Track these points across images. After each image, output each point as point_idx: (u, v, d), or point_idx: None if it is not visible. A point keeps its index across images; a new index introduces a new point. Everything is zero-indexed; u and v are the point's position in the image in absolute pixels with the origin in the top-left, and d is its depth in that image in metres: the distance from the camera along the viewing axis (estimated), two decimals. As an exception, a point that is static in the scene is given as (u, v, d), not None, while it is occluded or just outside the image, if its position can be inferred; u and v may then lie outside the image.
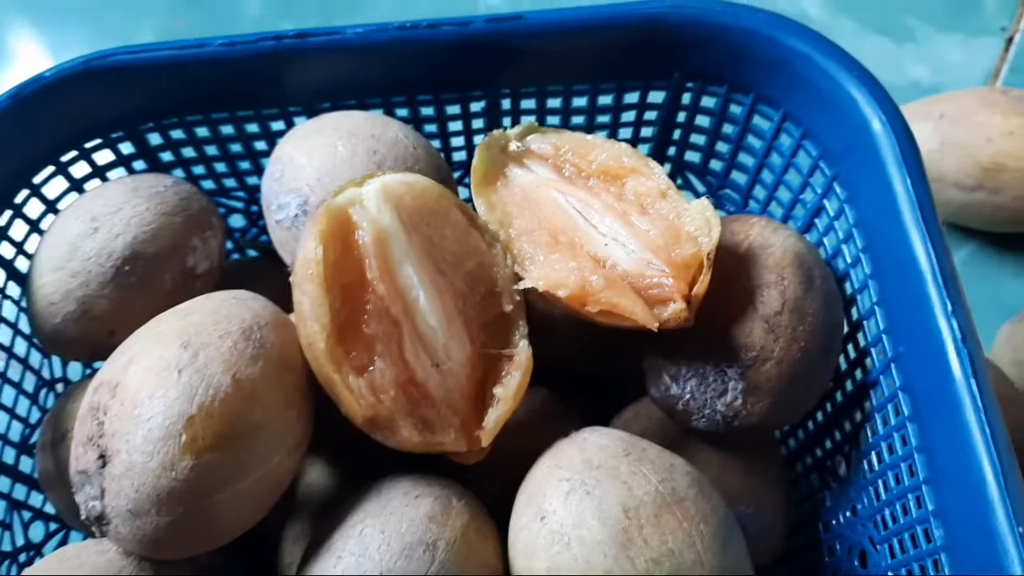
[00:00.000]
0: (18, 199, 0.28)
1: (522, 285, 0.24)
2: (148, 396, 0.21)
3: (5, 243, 0.28)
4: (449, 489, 0.23)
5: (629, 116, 0.30)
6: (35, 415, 0.30)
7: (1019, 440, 0.32)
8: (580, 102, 0.29)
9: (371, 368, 0.23)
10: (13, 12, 0.51)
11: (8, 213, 0.28)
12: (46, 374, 0.31)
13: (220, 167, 0.31)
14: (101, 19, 0.51)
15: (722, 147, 0.30)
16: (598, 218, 0.25)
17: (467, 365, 0.24)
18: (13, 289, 0.29)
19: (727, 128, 0.29)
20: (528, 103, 0.29)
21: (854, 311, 0.26)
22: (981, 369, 0.23)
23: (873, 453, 0.26)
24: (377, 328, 0.23)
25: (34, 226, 0.29)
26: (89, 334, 0.27)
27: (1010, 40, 0.47)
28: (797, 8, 0.48)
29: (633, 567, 0.21)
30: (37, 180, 0.29)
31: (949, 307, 0.23)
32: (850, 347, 0.27)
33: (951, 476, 0.22)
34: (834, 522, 0.28)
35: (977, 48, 0.47)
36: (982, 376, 0.22)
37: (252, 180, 0.32)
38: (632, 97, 0.29)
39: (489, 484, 0.24)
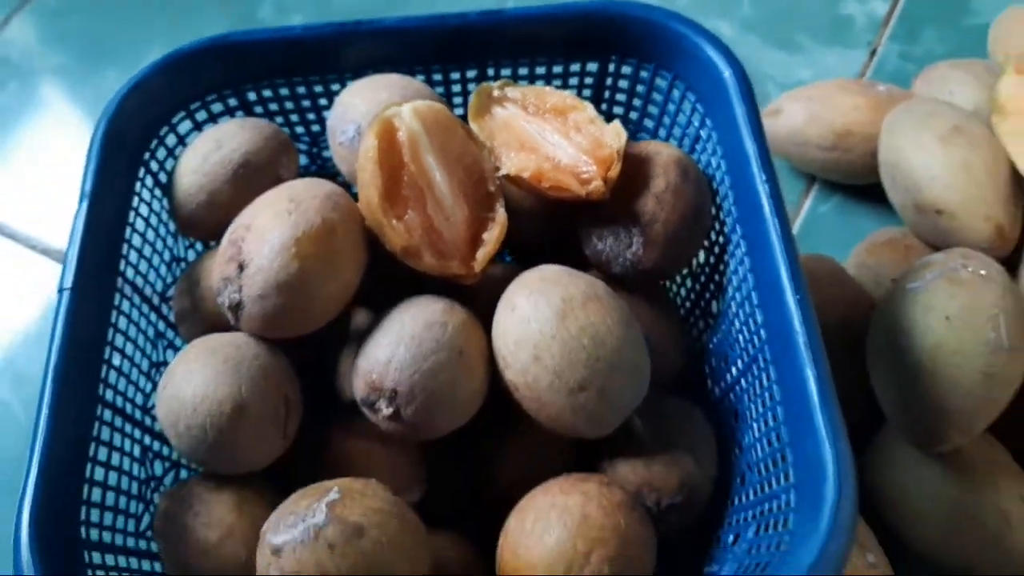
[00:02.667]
0: (162, 132, 0.42)
1: (500, 172, 0.38)
2: (270, 228, 0.35)
3: (154, 161, 0.42)
4: (454, 300, 0.37)
5: (574, 81, 0.44)
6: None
7: (845, 313, 0.45)
8: (541, 71, 0.44)
9: (405, 216, 0.36)
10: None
11: (155, 141, 0.42)
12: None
13: (294, 117, 0.45)
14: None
15: (636, 101, 0.44)
16: (549, 134, 0.39)
17: (465, 221, 0.37)
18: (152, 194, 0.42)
19: (639, 88, 0.43)
20: (506, 72, 0.44)
21: (719, 199, 0.40)
22: (787, 231, 0.36)
23: (730, 299, 0.39)
24: (409, 193, 0.36)
25: (170, 152, 0.43)
26: (213, 217, 0.40)
27: (874, 51, 0.61)
28: (713, 25, 0.62)
29: (568, 331, 0.35)
30: (174, 120, 0.42)
31: (768, 188, 0.36)
32: (717, 224, 0.41)
33: (773, 325, 0.35)
34: (712, 355, 0.41)
35: (849, 57, 0.61)
36: (786, 231, 0.36)
37: (315, 128, 0.46)
38: (576, 67, 0.43)
39: (479, 301, 0.38)
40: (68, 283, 0.35)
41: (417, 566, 0.33)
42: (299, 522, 0.31)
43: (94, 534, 0.34)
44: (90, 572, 0.33)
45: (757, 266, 0.36)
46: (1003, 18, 0.56)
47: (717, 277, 0.41)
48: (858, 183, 0.54)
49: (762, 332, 0.35)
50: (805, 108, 0.53)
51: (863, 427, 0.44)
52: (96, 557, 0.33)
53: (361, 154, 0.36)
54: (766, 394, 0.35)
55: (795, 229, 0.55)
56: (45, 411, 0.33)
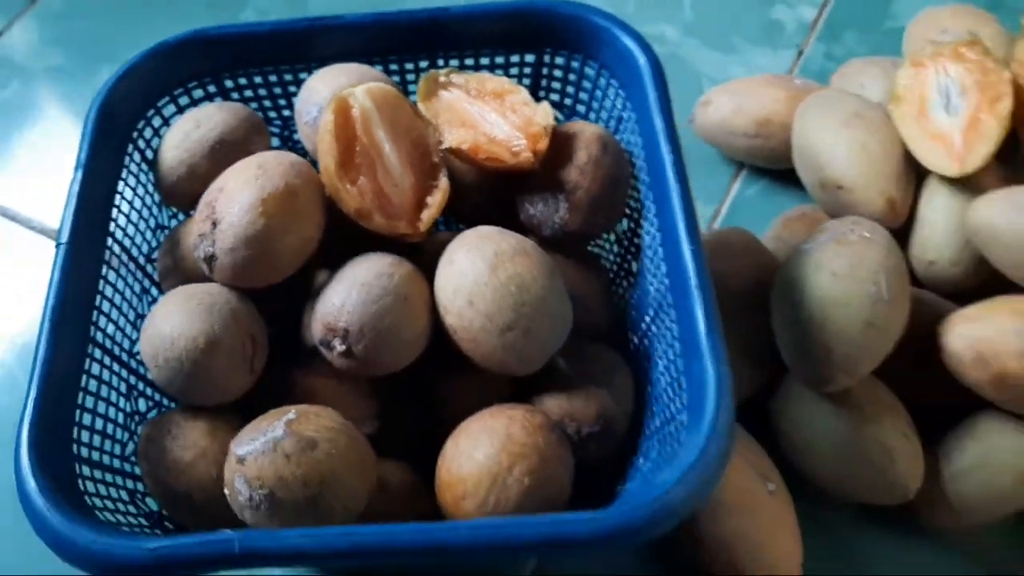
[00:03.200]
0: (148, 114, 0.48)
1: (443, 145, 0.44)
2: (240, 190, 0.40)
3: (141, 140, 0.47)
4: (401, 256, 0.42)
5: (515, 71, 0.50)
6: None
7: (758, 277, 0.51)
8: (485, 62, 0.49)
9: (358, 182, 0.42)
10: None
11: (142, 122, 0.48)
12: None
13: (267, 103, 0.51)
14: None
15: (570, 88, 0.50)
16: (487, 114, 0.45)
17: (412, 187, 0.43)
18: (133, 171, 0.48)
19: (571, 75, 0.49)
20: (454, 63, 0.49)
21: (637, 171, 0.46)
22: (686, 193, 0.41)
23: (644, 257, 0.45)
24: (362, 162, 0.42)
25: (156, 132, 0.48)
26: (193, 188, 0.45)
27: (801, 52, 0.67)
28: (658, 29, 0.69)
29: (498, 279, 0.40)
30: (160, 104, 0.48)
31: (672, 158, 0.42)
32: (636, 193, 0.46)
33: (673, 273, 0.40)
34: (633, 308, 0.47)
35: (779, 57, 0.67)
36: (685, 194, 0.41)
37: (286, 113, 0.51)
38: (515, 59, 0.49)
39: (426, 259, 0.43)
40: (64, 238, 0.41)
41: (363, 479, 0.38)
42: (261, 436, 0.37)
43: (84, 451, 0.39)
44: (80, 481, 0.38)
45: (663, 225, 0.42)
46: (917, 20, 0.62)
47: (636, 240, 0.47)
48: (780, 167, 0.59)
49: (666, 281, 0.41)
50: (731, 100, 0.59)
51: (779, 379, 0.49)
52: (86, 470, 0.39)
53: (320, 127, 0.42)
54: (668, 334, 0.40)
55: (724, 210, 0.61)
56: (43, 342, 0.38)
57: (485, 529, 0.34)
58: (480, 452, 0.39)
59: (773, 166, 0.60)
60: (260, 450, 0.36)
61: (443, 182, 0.43)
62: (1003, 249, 0.46)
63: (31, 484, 0.35)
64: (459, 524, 0.35)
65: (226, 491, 0.38)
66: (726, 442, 0.35)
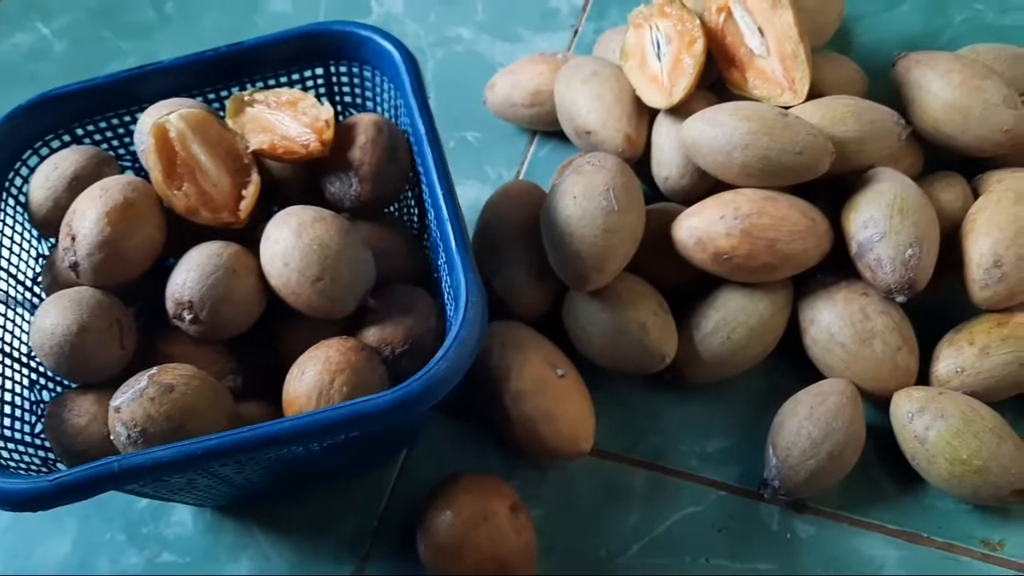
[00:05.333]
0: (16, 166, 0.58)
1: (250, 148, 0.55)
2: (88, 208, 0.51)
3: (13, 188, 0.58)
4: (229, 242, 0.53)
5: (309, 82, 0.61)
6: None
7: (533, 215, 0.62)
8: (284, 79, 0.61)
9: (183, 187, 0.53)
10: None
11: (12, 173, 0.58)
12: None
13: (115, 143, 0.61)
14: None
15: (357, 90, 0.61)
16: (284, 119, 0.56)
17: (229, 185, 0.54)
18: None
19: (355, 80, 0.61)
20: (260, 84, 0.61)
21: (413, 146, 0.57)
22: (437, 149, 0.53)
23: (426, 209, 0.56)
24: (183, 171, 0.53)
25: (24, 179, 0.59)
26: (60, 218, 0.56)
27: (576, 32, 0.80)
28: (455, 31, 0.81)
29: (303, 242, 0.51)
30: (24, 156, 0.59)
31: (424, 125, 0.53)
32: (416, 163, 0.58)
33: (435, 213, 0.52)
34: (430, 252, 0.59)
35: (557, 38, 0.80)
36: (437, 150, 0.53)
37: (131, 148, 0.62)
38: (308, 73, 0.61)
39: (254, 244, 0.54)
40: (-44, 270, 0.51)
41: (218, 412, 0.49)
42: (130, 388, 0.48)
43: (5, 431, 0.49)
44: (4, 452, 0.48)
45: (427, 181, 0.53)
46: (661, -9, 0.75)
47: (422, 199, 0.58)
48: (559, 129, 0.71)
49: (435, 221, 0.53)
50: (509, 80, 0.71)
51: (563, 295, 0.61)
52: (3, 444, 0.49)
53: (146, 150, 0.53)
54: (441, 261, 0.52)
55: (523, 171, 0.73)
56: (-50, 349, 0.49)
57: (303, 419, 0.45)
58: (308, 374, 0.50)
59: (554, 128, 0.72)
60: (131, 398, 0.47)
61: (255, 177, 0.55)
62: (705, 156, 0.58)
63: (-46, 453, 0.46)
64: (284, 419, 0.46)
65: (112, 438, 0.48)
66: (476, 326, 0.47)
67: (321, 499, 0.60)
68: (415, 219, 0.63)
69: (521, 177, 0.72)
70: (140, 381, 0.48)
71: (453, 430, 0.62)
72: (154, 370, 0.48)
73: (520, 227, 0.61)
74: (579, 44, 0.79)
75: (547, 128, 0.72)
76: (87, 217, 0.51)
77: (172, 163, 0.53)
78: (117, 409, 0.47)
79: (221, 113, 0.59)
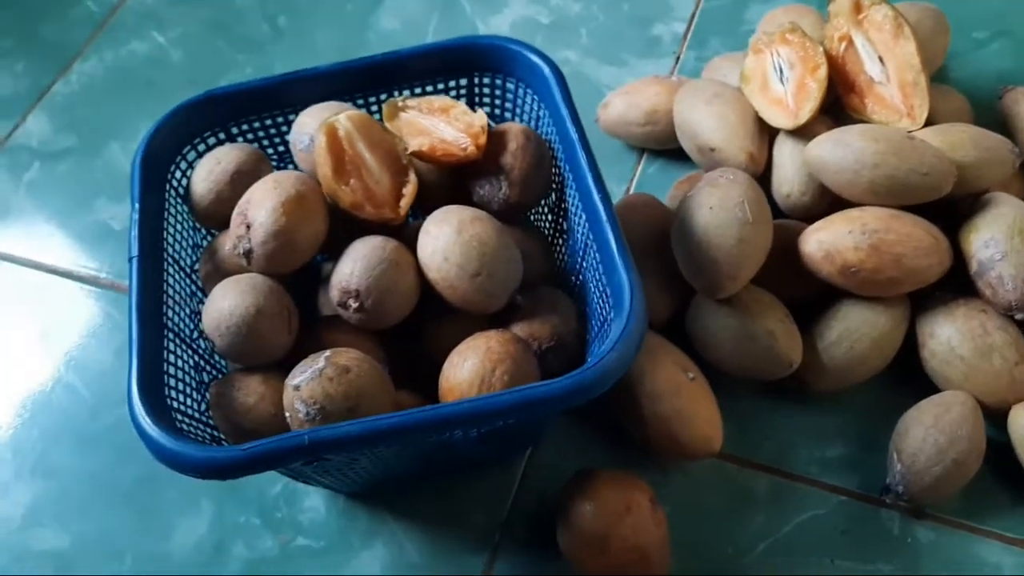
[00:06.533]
0: (177, 160, 0.61)
1: (408, 151, 0.58)
2: (264, 199, 0.54)
3: (174, 180, 0.61)
4: (389, 237, 0.56)
5: (453, 92, 0.64)
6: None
7: (657, 226, 0.65)
8: (430, 88, 0.64)
9: (350, 183, 0.56)
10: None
11: (173, 167, 0.61)
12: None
13: (265, 143, 0.65)
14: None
15: (498, 100, 0.65)
16: (438, 124, 0.59)
17: (390, 184, 0.57)
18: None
19: (497, 91, 0.64)
20: (407, 92, 0.64)
21: (555, 154, 0.60)
22: (590, 157, 0.56)
23: (570, 216, 0.59)
24: (350, 169, 0.56)
25: (184, 173, 0.62)
26: (220, 210, 0.59)
27: (678, 58, 0.84)
28: (562, 54, 0.84)
29: (463, 238, 0.54)
30: (184, 151, 0.62)
31: (577, 135, 0.57)
32: (556, 171, 0.61)
33: (589, 216, 0.55)
34: (568, 256, 0.61)
35: (661, 64, 0.83)
36: (590, 158, 0.56)
37: (280, 148, 0.65)
38: (452, 83, 0.64)
39: (408, 238, 0.57)
40: (134, 252, 0.54)
41: (386, 394, 0.52)
42: (308, 368, 0.50)
43: (176, 405, 0.52)
44: (178, 423, 0.50)
45: (579, 187, 0.56)
46: (763, 21, 0.78)
47: (563, 206, 0.61)
48: (670, 147, 0.74)
49: (585, 225, 0.55)
50: (624, 99, 0.75)
51: (689, 301, 0.64)
52: (179, 417, 0.51)
53: (316, 147, 0.56)
54: (594, 262, 0.55)
55: (632, 187, 0.76)
56: (135, 326, 0.51)
57: (479, 401, 0.48)
58: (469, 362, 0.52)
59: (665, 147, 0.75)
60: (310, 377, 0.50)
61: (412, 177, 0.58)
62: (832, 174, 0.61)
63: (147, 422, 0.48)
64: (462, 401, 0.48)
65: (287, 415, 0.51)
66: (641, 321, 0.49)
67: (450, 491, 0.62)
68: (548, 226, 0.65)
69: (632, 192, 0.76)
70: (317, 362, 0.50)
71: (573, 430, 0.64)
72: (328, 352, 0.51)
73: (644, 237, 0.64)
74: (681, 70, 0.83)
75: (657, 146, 0.76)
76: (263, 207, 0.54)
77: (341, 160, 0.56)
78: (297, 387, 0.50)
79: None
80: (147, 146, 0.59)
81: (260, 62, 0.87)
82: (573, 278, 0.61)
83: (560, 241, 0.64)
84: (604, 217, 0.53)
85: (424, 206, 0.61)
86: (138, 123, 0.82)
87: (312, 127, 0.59)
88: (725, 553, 0.58)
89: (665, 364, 0.60)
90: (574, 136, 0.57)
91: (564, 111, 0.58)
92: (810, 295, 0.63)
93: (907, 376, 0.62)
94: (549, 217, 0.65)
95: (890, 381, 0.63)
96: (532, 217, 0.67)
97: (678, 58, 0.84)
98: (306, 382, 0.50)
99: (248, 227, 0.54)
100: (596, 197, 0.54)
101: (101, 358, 0.71)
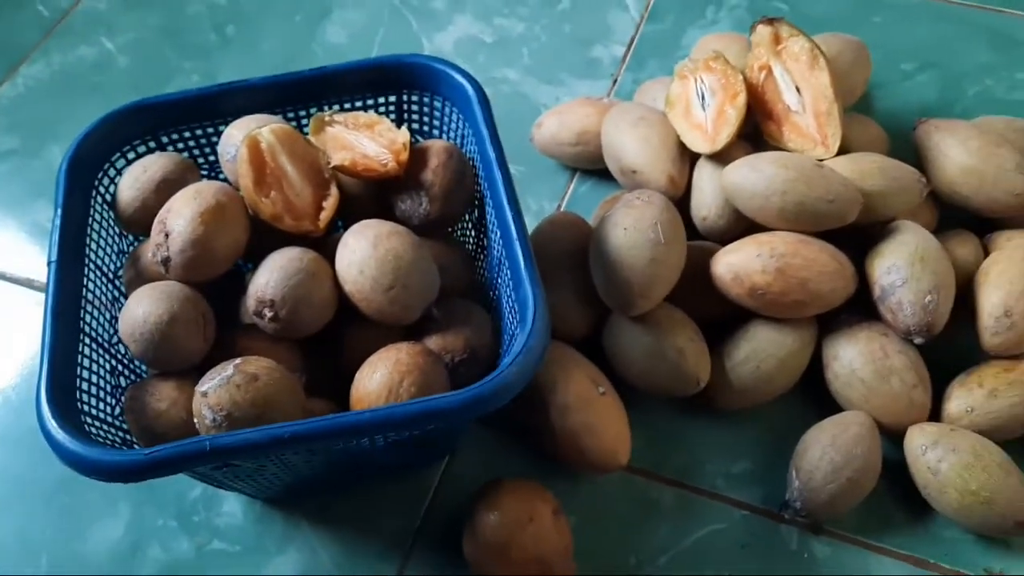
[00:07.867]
0: (105, 167, 0.62)
1: (331, 164, 0.59)
2: (183, 207, 0.55)
3: (101, 187, 0.62)
4: (308, 248, 0.57)
5: (382, 108, 0.66)
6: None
7: (579, 243, 0.67)
8: (359, 104, 0.66)
9: (270, 195, 0.57)
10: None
11: (101, 173, 0.62)
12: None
13: (195, 152, 0.66)
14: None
15: (426, 118, 0.66)
16: (362, 139, 0.61)
17: (311, 197, 0.59)
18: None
19: (425, 108, 0.66)
20: (336, 107, 0.65)
21: (477, 172, 0.62)
22: (507, 176, 0.58)
23: (489, 231, 0.61)
24: (271, 181, 0.57)
25: (112, 180, 0.63)
26: (145, 217, 0.60)
27: (615, 80, 0.86)
28: (503, 72, 0.86)
29: (379, 252, 0.55)
30: (113, 159, 0.63)
31: (494, 153, 0.58)
32: (477, 188, 0.62)
33: (502, 233, 0.57)
34: (487, 271, 0.63)
35: (598, 85, 0.85)
36: (506, 177, 0.58)
37: (211, 158, 0.66)
38: (382, 99, 0.66)
39: (328, 250, 0.58)
40: (53, 257, 0.55)
41: (295, 403, 0.53)
42: (217, 375, 0.51)
43: (87, 408, 0.53)
44: (86, 427, 0.51)
45: (494, 202, 0.58)
46: (696, 47, 0.81)
47: (484, 222, 0.63)
48: (601, 167, 0.76)
49: (500, 241, 0.57)
50: (557, 119, 0.77)
51: (605, 319, 0.65)
52: (89, 420, 0.52)
53: (238, 159, 0.57)
54: (505, 276, 0.57)
55: (564, 204, 0.78)
56: (48, 330, 0.52)
57: (381, 411, 0.49)
58: (378, 373, 0.54)
59: (596, 167, 0.77)
60: (218, 384, 0.51)
61: (334, 191, 0.59)
62: (745, 199, 0.63)
63: (52, 424, 0.49)
64: (363, 411, 0.50)
65: (195, 420, 0.52)
66: (543, 336, 0.51)
67: (366, 498, 0.63)
68: (471, 241, 0.67)
69: (562, 210, 0.77)
70: (226, 369, 0.51)
71: (490, 440, 0.66)
72: (238, 360, 0.52)
73: (566, 254, 0.66)
74: (618, 92, 0.85)
75: (588, 166, 0.78)
76: (182, 216, 0.55)
77: (262, 172, 0.58)
78: (204, 394, 0.51)
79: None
80: (74, 152, 0.60)
81: (206, 69, 0.89)
82: (491, 293, 0.63)
83: (482, 256, 0.65)
84: (515, 234, 0.55)
85: (350, 219, 0.62)
86: (80, 127, 0.82)
87: (238, 139, 0.61)
88: (628, 563, 0.60)
89: (577, 378, 0.61)
90: (492, 155, 0.58)
91: (484, 130, 0.59)
92: (725, 315, 0.65)
93: (816, 395, 0.64)
94: (472, 233, 0.67)
95: (799, 400, 0.65)
96: (456, 232, 0.68)
97: (615, 80, 0.86)
98: (214, 389, 0.51)
99: (167, 235, 0.55)
100: (509, 214, 0.56)
101: (30, 360, 0.72)
